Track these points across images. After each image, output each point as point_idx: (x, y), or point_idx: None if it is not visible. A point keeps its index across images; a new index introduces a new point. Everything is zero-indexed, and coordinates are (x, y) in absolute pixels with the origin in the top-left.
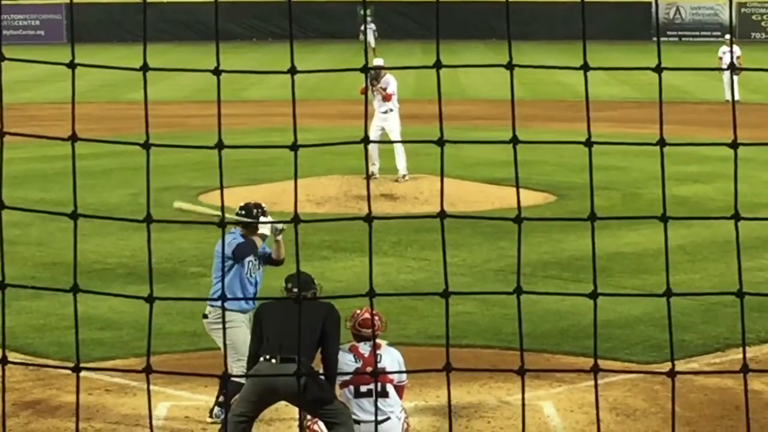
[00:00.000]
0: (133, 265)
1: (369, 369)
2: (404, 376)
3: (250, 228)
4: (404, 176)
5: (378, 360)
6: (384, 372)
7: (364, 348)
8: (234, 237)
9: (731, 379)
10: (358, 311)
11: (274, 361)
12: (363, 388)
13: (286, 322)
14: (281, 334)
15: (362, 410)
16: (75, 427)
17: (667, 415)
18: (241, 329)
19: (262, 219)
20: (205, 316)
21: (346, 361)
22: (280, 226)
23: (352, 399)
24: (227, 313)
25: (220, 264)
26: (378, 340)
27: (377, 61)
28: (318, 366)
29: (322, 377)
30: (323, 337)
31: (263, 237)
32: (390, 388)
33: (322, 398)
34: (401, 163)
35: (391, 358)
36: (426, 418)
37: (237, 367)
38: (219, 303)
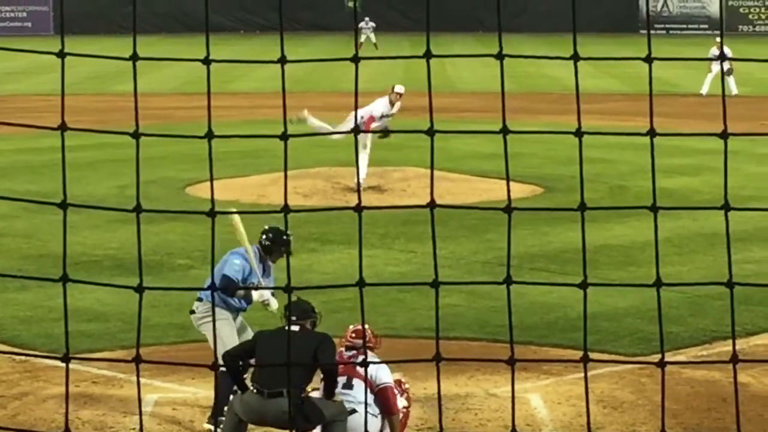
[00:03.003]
0: (120, 257)
1: (341, 366)
2: (385, 380)
3: (273, 255)
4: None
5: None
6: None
7: (347, 354)
8: (239, 260)
9: (718, 371)
10: (351, 326)
11: (262, 396)
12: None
13: (278, 354)
14: (272, 367)
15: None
16: (65, 416)
17: (654, 407)
18: (227, 321)
19: (263, 284)
20: (193, 312)
21: None
22: (274, 306)
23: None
24: (216, 308)
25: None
26: (360, 354)
27: (399, 89)
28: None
29: (314, 402)
30: (317, 366)
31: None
32: (357, 382)
33: (311, 426)
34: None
35: (375, 367)
36: (413, 410)
37: None
38: (205, 299)
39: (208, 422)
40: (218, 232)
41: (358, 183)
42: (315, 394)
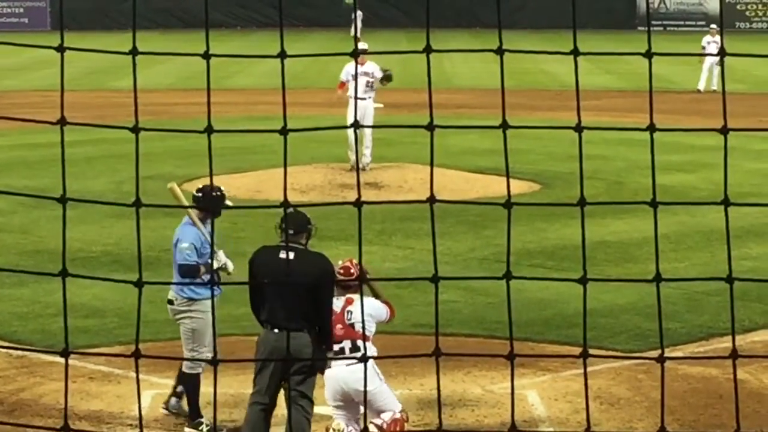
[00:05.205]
0: (117, 252)
1: (339, 326)
2: (374, 327)
3: (205, 212)
4: (367, 165)
5: (348, 318)
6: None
7: (336, 304)
8: (186, 243)
9: (715, 368)
10: (340, 261)
11: (277, 330)
12: (335, 347)
13: (284, 286)
14: (282, 301)
15: (337, 363)
16: (64, 411)
17: (651, 403)
18: (208, 315)
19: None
20: (171, 302)
21: None
22: (230, 268)
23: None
24: (195, 302)
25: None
26: (350, 295)
27: (361, 46)
28: None
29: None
30: (317, 292)
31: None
32: (360, 343)
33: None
34: (369, 150)
35: (365, 311)
36: (411, 406)
37: (190, 357)
38: (184, 290)
39: (189, 426)
40: (217, 228)
41: (358, 165)
42: None
